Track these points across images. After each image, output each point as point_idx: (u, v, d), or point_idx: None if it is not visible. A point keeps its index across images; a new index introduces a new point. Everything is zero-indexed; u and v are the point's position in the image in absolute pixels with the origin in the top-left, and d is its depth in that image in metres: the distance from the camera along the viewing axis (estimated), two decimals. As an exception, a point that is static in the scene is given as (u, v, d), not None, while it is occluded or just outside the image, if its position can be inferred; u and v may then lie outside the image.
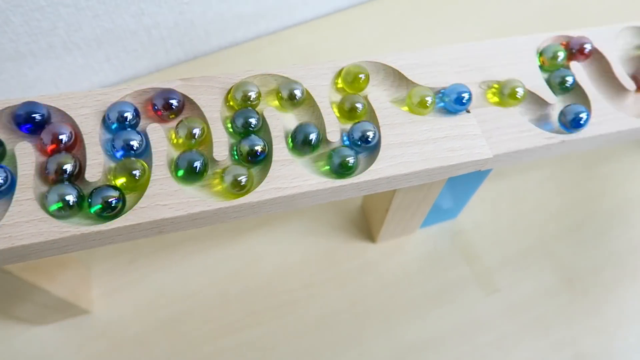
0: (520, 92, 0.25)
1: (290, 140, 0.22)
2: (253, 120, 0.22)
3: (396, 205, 0.29)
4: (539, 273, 0.35)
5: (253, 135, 0.22)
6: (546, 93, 0.26)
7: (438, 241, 0.36)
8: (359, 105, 0.23)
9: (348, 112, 0.23)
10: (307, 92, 0.23)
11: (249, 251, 0.35)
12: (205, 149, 0.22)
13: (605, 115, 0.25)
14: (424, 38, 0.45)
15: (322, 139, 0.22)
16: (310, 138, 0.22)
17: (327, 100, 0.23)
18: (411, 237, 0.36)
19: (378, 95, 0.24)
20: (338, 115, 0.23)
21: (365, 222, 0.36)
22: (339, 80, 0.24)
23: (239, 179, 0.20)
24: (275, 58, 0.43)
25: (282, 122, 0.22)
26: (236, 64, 0.42)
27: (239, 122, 0.22)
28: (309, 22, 0.45)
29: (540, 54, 0.27)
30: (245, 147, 0.21)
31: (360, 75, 0.24)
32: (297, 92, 0.23)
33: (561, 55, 0.26)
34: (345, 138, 0.23)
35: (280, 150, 0.22)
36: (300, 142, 0.22)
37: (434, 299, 0.34)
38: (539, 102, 0.26)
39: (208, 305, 0.33)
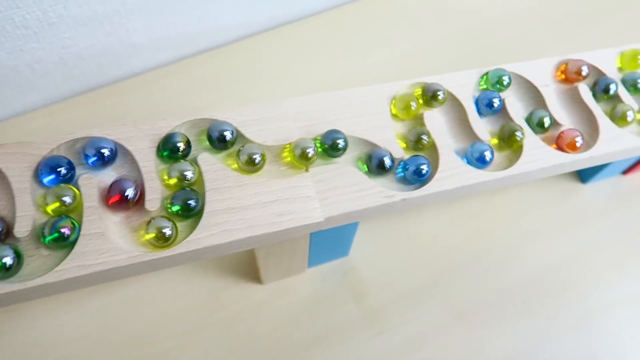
0: (311, 152, 0.23)
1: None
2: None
3: (262, 256, 0.28)
4: (430, 310, 0.35)
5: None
6: (395, 146, 0.25)
7: (328, 280, 0.35)
8: (187, 174, 0.22)
9: (175, 181, 0.22)
10: (131, 154, 0.22)
11: (134, 296, 0.34)
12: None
13: (454, 169, 0.25)
14: (328, 68, 0.44)
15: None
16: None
17: (152, 164, 0.22)
18: (300, 277, 0.35)
19: (210, 156, 0.23)
20: (166, 181, 0.23)
21: (254, 262, 0.35)
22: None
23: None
24: (177, 87, 0.42)
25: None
26: (135, 95, 0.41)
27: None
28: (211, 51, 0.44)
29: (394, 102, 0.26)
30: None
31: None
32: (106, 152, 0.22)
33: (413, 105, 0.26)
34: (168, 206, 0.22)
35: (90, 223, 0.21)
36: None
37: (320, 341, 0.33)
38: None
39: (85, 354, 0.32)
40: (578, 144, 0.28)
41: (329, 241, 0.31)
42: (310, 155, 0.22)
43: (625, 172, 0.39)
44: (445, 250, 0.37)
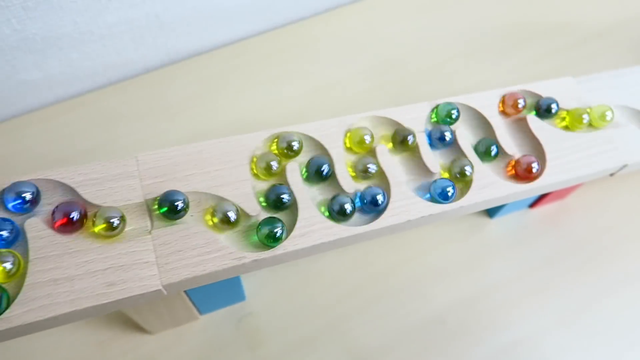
0: (115, 222, 0.21)
1: None
2: None
3: (132, 312, 0.27)
4: (328, 356, 0.34)
5: None
6: (251, 203, 0.24)
7: (222, 327, 0.34)
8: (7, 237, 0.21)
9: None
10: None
11: (18, 349, 0.32)
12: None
13: (312, 226, 0.24)
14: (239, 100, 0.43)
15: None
16: None
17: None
18: (192, 325, 0.34)
19: (38, 221, 0.22)
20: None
21: (144, 310, 0.34)
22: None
23: None
24: (76, 124, 0.40)
25: None
26: (27, 133, 0.39)
27: None
28: (114, 85, 0.42)
29: (255, 161, 0.25)
30: None
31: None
32: None
33: (274, 165, 0.25)
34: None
35: None
36: None
37: (209, 394, 0.32)
38: (242, 215, 0.24)
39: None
40: (534, 170, 0.27)
41: (213, 290, 0.30)
42: (115, 225, 0.21)
43: (532, 205, 0.39)
44: (348, 292, 0.36)
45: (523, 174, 0.27)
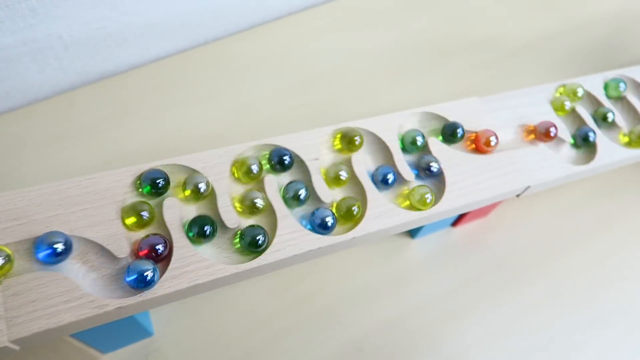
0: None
1: None
2: None
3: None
4: (239, 391, 0.32)
5: None
6: (120, 245, 0.22)
7: (126, 367, 0.32)
8: None
9: None
10: None
11: None
12: None
13: (186, 266, 0.22)
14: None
15: None
16: None
17: None
18: (93, 366, 0.32)
19: None
20: None
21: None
22: None
23: None
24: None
25: None
26: None
27: None
28: (19, 110, 0.40)
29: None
30: None
31: None
32: None
33: (145, 215, 0.23)
34: None
35: None
36: None
37: None
38: (109, 257, 0.22)
39: None
40: (428, 200, 0.27)
41: (105, 331, 0.28)
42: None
43: (454, 223, 0.39)
44: (263, 322, 0.34)
45: (417, 203, 0.26)
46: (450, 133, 0.29)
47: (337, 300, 0.35)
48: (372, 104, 0.44)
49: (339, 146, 0.28)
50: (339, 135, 0.28)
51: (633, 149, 0.33)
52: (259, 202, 0.24)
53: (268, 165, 0.26)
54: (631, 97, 0.35)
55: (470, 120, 0.30)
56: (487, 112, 0.31)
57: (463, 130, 0.29)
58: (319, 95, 0.44)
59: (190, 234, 0.23)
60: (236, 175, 0.26)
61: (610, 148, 0.32)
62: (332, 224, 0.24)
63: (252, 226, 0.24)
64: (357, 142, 0.27)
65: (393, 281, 0.37)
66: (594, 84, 0.34)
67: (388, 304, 0.36)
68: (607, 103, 0.34)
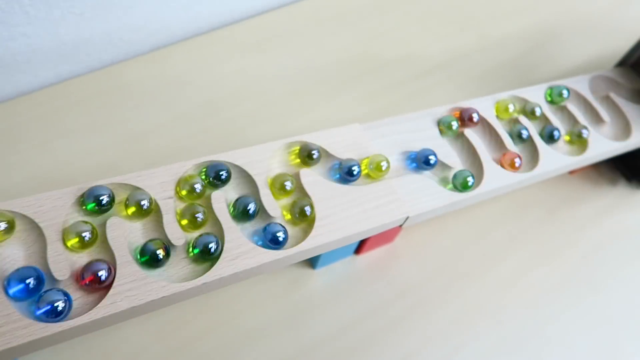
0: None
1: None
2: None
3: None
4: None
5: None
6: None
7: None
8: None
9: None
10: None
11: None
12: None
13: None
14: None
15: None
16: None
17: None
18: None
19: None
20: None
21: None
22: None
23: None
24: None
25: None
26: None
27: None
28: None
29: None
30: None
31: None
32: None
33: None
34: None
35: None
36: None
37: None
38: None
39: None
40: (281, 239, 0.25)
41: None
42: None
43: (357, 251, 0.37)
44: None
45: (271, 241, 0.25)
46: (306, 155, 0.27)
47: (231, 339, 0.33)
48: (280, 127, 0.43)
49: (205, 179, 0.26)
50: (205, 170, 0.26)
51: (519, 172, 0.32)
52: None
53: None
54: (523, 119, 0.34)
55: (351, 149, 0.29)
56: (370, 139, 0.30)
57: (318, 151, 0.28)
58: (221, 121, 0.42)
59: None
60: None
61: (497, 173, 0.31)
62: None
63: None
64: (222, 177, 0.26)
65: (293, 315, 0.35)
66: (485, 105, 0.34)
67: (288, 340, 0.34)
68: (497, 126, 0.33)
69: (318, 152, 0.28)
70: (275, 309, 0.35)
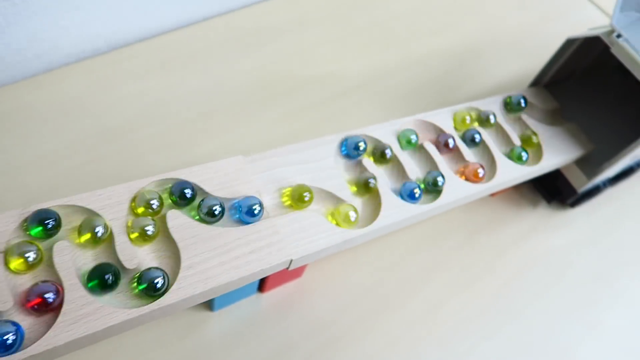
0: None
1: None
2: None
3: None
4: None
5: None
6: None
7: None
8: None
9: None
10: None
11: None
12: None
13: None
14: None
15: None
16: None
17: None
18: None
19: None
20: None
21: None
22: None
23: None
24: None
25: None
26: None
27: None
28: None
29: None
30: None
31: None
32: None
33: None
34: None
35: None
36: None
37: None
38: None
39: None
40: (158, 286, 0.22)
41: None
42: None
43: (261, 289, 0.35)
44: None
45: (149, 291, 0.22)
46: (178, 195, 0.25)
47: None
48: (183, 154, 0.40)
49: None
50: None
51: (427, 203, 0.30)
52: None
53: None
54: (428, 146, 0.33)
55: (229, 185, 0.26)
56: (256, 173, 0.27)
57: (193, 190, 0.25)
58: (119, 148, 0.39)
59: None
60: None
61: (393, 203, 0.29)
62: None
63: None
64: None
65: (188, 362, 0.32)
66: (385, 132, 0.32)
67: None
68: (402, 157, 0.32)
69: (192, 190, 0.25)
70: (168, 356, 0.32)
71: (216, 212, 0.24)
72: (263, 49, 0.47)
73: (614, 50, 0.33)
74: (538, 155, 0.36)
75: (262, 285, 0.34)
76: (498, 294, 0.39)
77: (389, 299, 0.37)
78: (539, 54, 0.44)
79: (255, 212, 0.24)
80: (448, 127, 0.34)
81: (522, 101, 0.37)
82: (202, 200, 0.24)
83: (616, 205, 0.45)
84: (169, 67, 0.44)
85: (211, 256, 0.24)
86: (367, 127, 0.32)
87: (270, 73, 0.46)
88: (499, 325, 0.37)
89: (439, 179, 0.30)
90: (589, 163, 0.39)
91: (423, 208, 0.29)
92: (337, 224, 0.27)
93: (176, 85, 0.43)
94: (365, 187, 0.29)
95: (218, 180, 0.26)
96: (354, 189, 0.29)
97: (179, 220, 0.24)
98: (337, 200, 0.28)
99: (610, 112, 0.42)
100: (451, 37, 0.53)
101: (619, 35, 0.33)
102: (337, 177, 0.29)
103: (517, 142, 0.36)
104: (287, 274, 0.34)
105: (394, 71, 0.49)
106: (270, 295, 0.35)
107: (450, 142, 0.32)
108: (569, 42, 0.37)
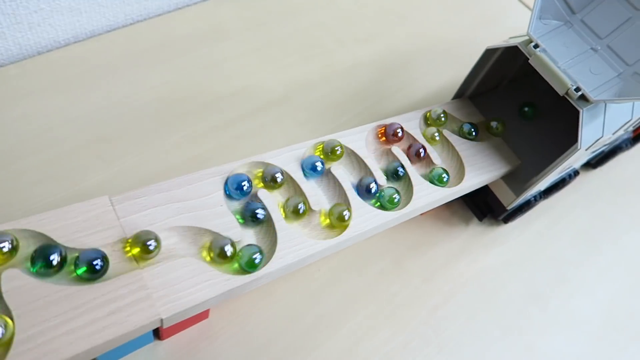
0: None
1: None
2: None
3: None
4: None
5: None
6: None
7: None
8: None
9: None
10: None
11: None
12: None
13: None
14: None
15: None
16: None
17: None
18: None
19: None
20: None
21: None
22: None
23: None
24: None
25: None
26: None
27: None
28: None
29: None
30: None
31: None
32: None
33: None
34: None
35: None
36: None
37: None
38: None
39: None
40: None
41: None
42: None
43: (159, 336, 0.31)
44: None
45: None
46: (41, 259, 0.21)
47: None
48: (73, 185, 0.35)
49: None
50: None
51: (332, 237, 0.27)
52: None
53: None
54: (336, 168, 0.30)
55: (86, 233, 0.22)
56: (120, 217, 0.23)
57: (61, 253, 0.21)
58: (4, 175, 0.34)
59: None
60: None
61: (291, 239, 0.26)
62: None
63: None
64: None
65: None
66: (285, 158, 0.29)
67: None
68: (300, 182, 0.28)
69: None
70: None
71: (53, 263, 0.20)
72: (171, 62, 0.43)
73: (532, 62, 0.31)
74: (461, 173, 0.34)
75: (159, 331, 0.30)
76: (426, 323, 0.36)
77: (306, 337, 0.33)
78: (472, 62, 0.42)
79: (97, 268, 0.21)
80: (360, 147, 0.31)
81: (442, 116, 0.34)
82: (38, 250, 0.20)
83: (551, 218, 0.44)
84: (60, 87, 0.39)
85: (56, 324, 0.20)
86: (265, 153, 0.28)
87: (180, 89, 0.42)
88: (427, 358, 0.34)
89: (345, 213, 0.27)
90: (516, 179, 0.36)
91: (324, 244, 0.26)
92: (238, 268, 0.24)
93: (68, 107, 0.39)
94: (253, 218, 0.25)
95: (76, 228, 0.22)
96: (242, 220, 0.26)
97: (16, 282, 0.20)
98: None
99: (538, 123, 0.40)
100: (379, 46, 0.50)
101: (536, 46, 0.31)
102: (224, 214, 0.25)
103: (437, 161, 0.33)
104: (194, 317, 0.30)
105: (317, 83, 0.46)
106: (171, 342, 0.31)
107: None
108: (489, 52, 0.35)
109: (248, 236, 0.26)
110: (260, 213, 0.25)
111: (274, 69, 0.46)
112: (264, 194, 0.27)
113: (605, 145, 0.39)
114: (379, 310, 0.36)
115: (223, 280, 0.23)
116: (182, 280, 0.23)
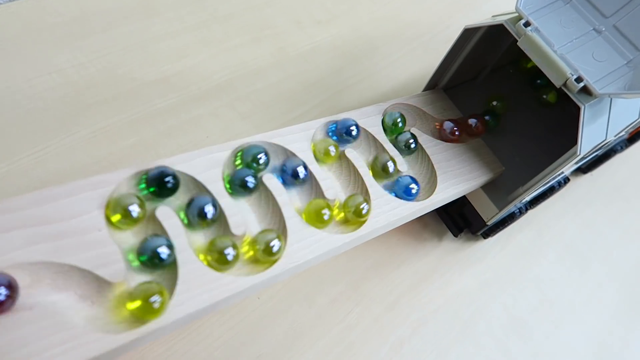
0: None
1: None
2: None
3: None
4: None
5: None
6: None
7: None
8: None
9: None
10: None
11: None
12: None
13: None
14: None
15: None
16: None
17: None
18: None
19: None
20: None
21: None
22: None
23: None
24: None
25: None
26: None
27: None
28: None
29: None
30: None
31: None
32: None
33: None
34: None
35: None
36: None
37: None
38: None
39: None
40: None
41: None
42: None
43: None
44: None
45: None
46: None
47: None
48: None
49: None
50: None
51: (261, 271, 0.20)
52: None
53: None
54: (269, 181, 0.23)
55: None
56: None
57: None
58: None
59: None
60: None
61: (205, 278, 0.19)
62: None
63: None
64: None
65: None
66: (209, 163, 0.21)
67: None
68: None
69: None
70: None
71: None
72: (85, 41, 0.35)
73: (521, 44, 0.25)
74: (432, 182, 0.27)
75: None
76: (387, 358, 0.30)
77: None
78: (447, 50, 0.35)
79: None
80: (304, 149, 0.24)
81: (400, 121, 0.28)
82: None
83: (535, 230, 0.38)
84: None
85: None
86: (173, 157, 0.21)
87: (94, 73, 0.34)
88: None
89: (275, 243, 0.20)
90: (499, 188, 0.30)
91: (248, 281, 0.19)
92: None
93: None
94: (153, 260, 0.18)
95: None
96: (136, 263, 0.19)
97: None
98: (100, 283, 0.18)
99: (526, 122, 0.34)
100: (341, 30, 0.43)
101: (527, 24, 0.25)
102: (106, 243, 0.18)
103: (403, 168, 0.27)
104: None
105: (265, 70, 0.38)
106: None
107: (301, 172, 0.23)
108: (468, 33, 0.28)
109: (138, 276, 0.19)
110: (164, 255, 0.18)
111: (213, 52, 0.38)
112: (161, 212, 0.20)
113: (600, 147, 0.34)
114: (330, 346, 0.29)
115: (91, 341, 0.16)
116: (28, 342, 0.16)
